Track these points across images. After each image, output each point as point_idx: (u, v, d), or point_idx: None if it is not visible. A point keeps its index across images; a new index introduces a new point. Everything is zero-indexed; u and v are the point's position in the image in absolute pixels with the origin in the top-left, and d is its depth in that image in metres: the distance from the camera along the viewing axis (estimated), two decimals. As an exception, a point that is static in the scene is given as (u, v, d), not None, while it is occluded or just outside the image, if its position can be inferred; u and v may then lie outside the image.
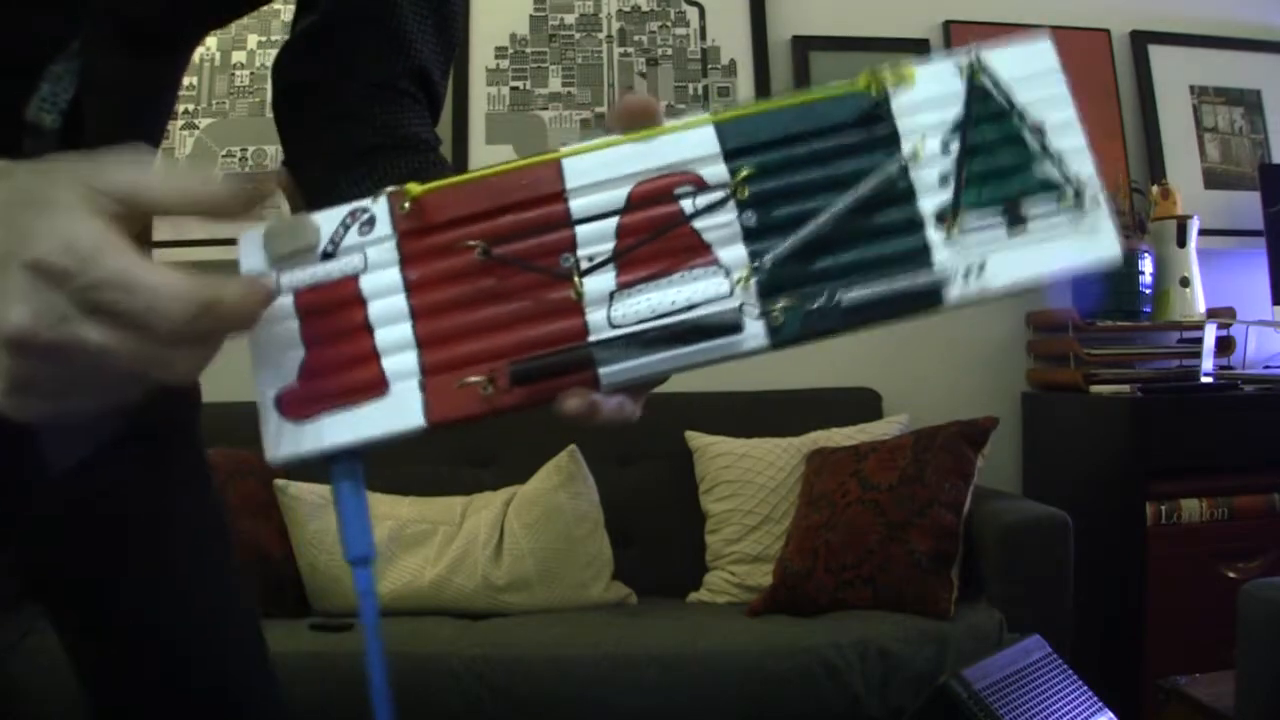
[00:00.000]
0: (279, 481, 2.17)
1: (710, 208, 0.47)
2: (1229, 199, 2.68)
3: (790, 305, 0.46)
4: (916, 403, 2.48)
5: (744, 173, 0.47)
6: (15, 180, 0.40)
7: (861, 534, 2.00)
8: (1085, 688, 1.55)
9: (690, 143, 0.48)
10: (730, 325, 0.46)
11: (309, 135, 0.67)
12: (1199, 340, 2.33)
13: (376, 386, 0.48)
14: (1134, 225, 2.48)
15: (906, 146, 0.47)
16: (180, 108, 2.53)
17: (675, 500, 2.32)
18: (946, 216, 0.47)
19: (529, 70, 2.62)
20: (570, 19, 2.65)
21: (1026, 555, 1.97)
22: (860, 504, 2.04)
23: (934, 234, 0.47)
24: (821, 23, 2.67)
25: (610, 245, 0.48)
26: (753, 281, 0.47)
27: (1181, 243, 2.46)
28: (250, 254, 0.50)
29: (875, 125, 0.48)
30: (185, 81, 2.28)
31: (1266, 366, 2.51)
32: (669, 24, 2.66)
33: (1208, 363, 2.31)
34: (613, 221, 0.48)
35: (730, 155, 0.48)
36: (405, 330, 0.48)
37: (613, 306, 0.47)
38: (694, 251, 0.47)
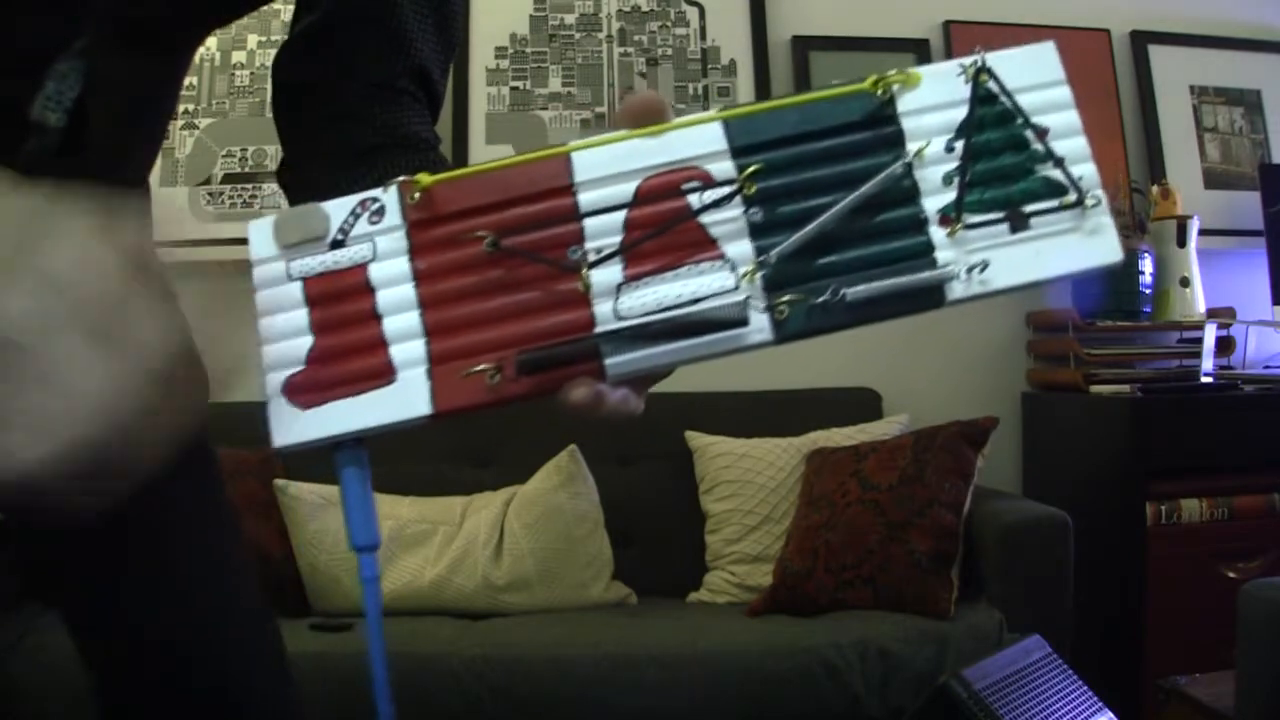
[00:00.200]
0: (279, 482, 2.17)
1: (717, 203, 0.48)
2: (1229, 199, 2.67)
3: (795, 300, 0.47)
4: (916, 403, 2.47)
5: (751, 169, 0.48)
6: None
7: (861, 534, 2.00)
8: (1085, 688, 1.55)
9: (698, 139, 0.49)
10: (736, 319, 0.46)
11: (309, 135, 0.67)
12: (1199, 340, 2.33)
13: (384, 374, 0.48)
14: (1134, 225, 2.48)
15: (911, 147, 0.48)
16: (180, 108, 2.53)
17: (675, 500, 2.32)
18: (950, 216, 0.47)
19: (529, 70, 2.62)
20: (570, 19, 2.65)
21: (1026, 555, 1.97)
22: (860, 504, 2.04)
23: (937, 233, 0.47)
24: (821, 23, 2.67)
25: (618, 239, 0.48)
26: (758, 276, 0.47)
27: (1181, 243, 2.46)
28: (260, 242, 0.50)
29: (881, 125, 0.48)
30: (185, 81, 2.28)
31: (1266, 366, 2.51)
32: (669, 24, 2.66)
33: (1208, 363, 2.31)
34: (620, 215, 0.48)
35: (738, 152, 0.48)
36: (413, 319, 0.48)
37: (619, 299, 0.48)
38: (700, 246, 0.48)
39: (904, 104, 0.48)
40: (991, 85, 0.48)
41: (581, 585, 2.14)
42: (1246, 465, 2.18)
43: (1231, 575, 2.12)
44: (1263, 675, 1.48)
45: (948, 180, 0.48)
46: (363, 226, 0.49)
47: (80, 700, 0.77)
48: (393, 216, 0.49)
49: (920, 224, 0.47)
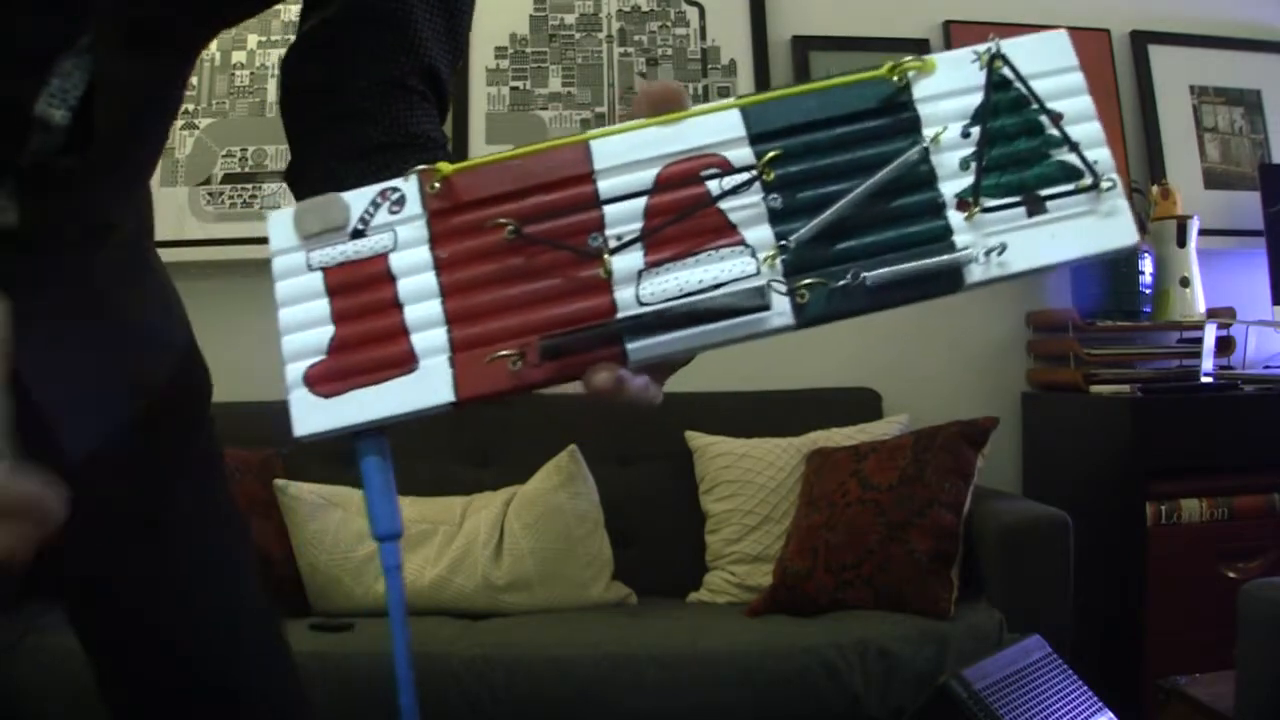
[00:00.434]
0: (279, 482, 2.17)
1: (737, 189, 0.48)
2: (1229, 199, 2.67)
3: (815, 285, 0.47)
4: (916, 403, 2.47)
5: (770, 156, 0.48)
6: None
7: (861, 534, 2.00)
8: (1085, 688, 1.55)
9: (717, 127, 0.49)
10: (757, 304, 0.47)
11: (317, 133, 0.67)
12: (1199, 340, 2.33)
13: (406, 362, 0.48)
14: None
15: (928, 132, 0.48)
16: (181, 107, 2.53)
17: (675, 500, 2.32)
18: (967, 200, 0.48)
19: (529, 70, 2.62)
20: (570, 19, 2.65)
21: (1026, 555, 1.97)
22: (860, 504, 2.04)
23: (955, 217, 0.48)
24: (821, 23, 2.67)
25: (638, 225, 0.48)
26: (779, 261, 0.48)
27: (1181, 243, 2.46)
28: (280, 233, 0.51)
29: (898, 112, 0.49)
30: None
31: (1266, 366, 2.51)
32: (669, 24, 2.66)
33: (1208, 363, 2.31)
34: (640, 202, 0.49)
35: (756, 139, 0.49)
36: (435, 307, 0.49)
37: (641, 285, 0.48)
38: (721, 232, 0.48)
39: (920, 90, 0.49)
40: (1006, 71, 0.49)
41: (581, 585, 2.14)
42: (1246, 465, 2.18)
43: (1231, 575, 2.12)
44: (1263, 675, 1.48)
45: (964, 165, 0.48)
46: (383, 216, 0.50)
47: (80, 700, 0.77)
48: (413, 206, 0.49)
49: (938, 208, 0.48)
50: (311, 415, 0.48)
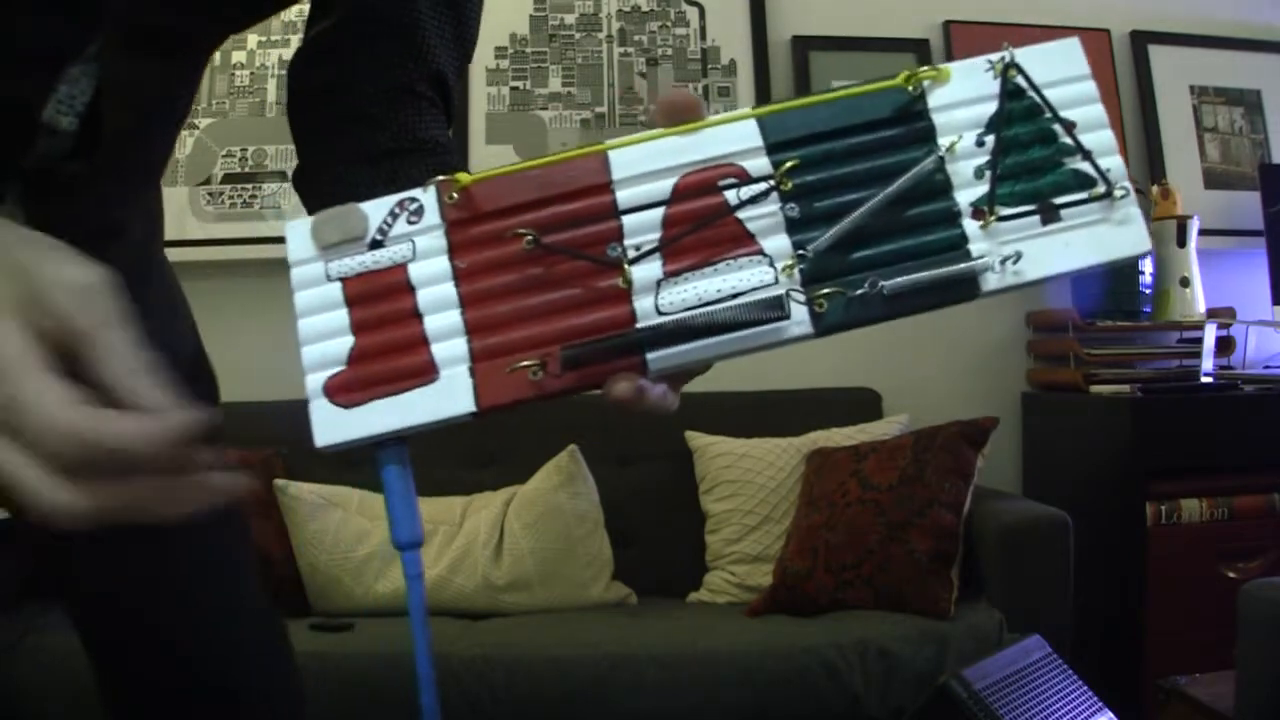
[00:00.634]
0: (279, 482, 2.17)
1: (754, 199, 0.49)
2: (1229, 199, 2.67)
3: (833, 293, 0.48)
4: (916, 403, 2.47)
5: (787, 165, 0.49)
6: None
7: (861, 534, 2.00)
8: (1085, 688, 1.55)
9: (734, 136, 0.49)
10: (775, 313, 0.47)
11: (325, 139, 0.67)
12: (1199, 340, 2.33)
13: (426, 372, 0.49)
14: (1134, 225, 2.47)
15: (943, 141, 0.49)
16: (180, 108, 2.53)
17: (675, 500, 2.32)
18: (983, 209, 0.48)
19: (529, 70, 2.62)
20: (570, 19, 2.65)
21: (1026, 555, 1.97)
22: (860, 504, 2.04)
23: (970, 226, 0.48)
24: (821, 23, 2.67)
25: (656, 235, 0.49)
26: (797, 270, 0.48)
27: (1181, 243, 2.46)
28: (298, 243, 0.51)
29: (913, 121, 0.49)
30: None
31: (1266, 366, 2.51)
32: (669, 24, 2.66)
33: (1208, 363, 2.31)
34: (659, 212, 0.49)
35: (772, 148, 0.49)
36: (454, 317, 0.49)
37: (660, 294, 0.48)
38: (739, 241, 0.49)
39: (934, 99, 0.49)
40: (1019, 80, 0.49)
41: (581, 585, 2.14)
42: (1246, 465, 2.18)
43: (1231, 575, 2.12)
44: (1263, 675, 1.48)
45: (979, 174, 0.48)
46: (401, 226, 0.50)
47: (80, 700, 0.77)
48: (431, 216, 0.50)
49: (954, 217, 0.48)
50: (332, 426, 0.48)
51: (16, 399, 0.37)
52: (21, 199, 0.54)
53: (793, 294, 0.48)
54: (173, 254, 0.77)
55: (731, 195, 0.49)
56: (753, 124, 0.49)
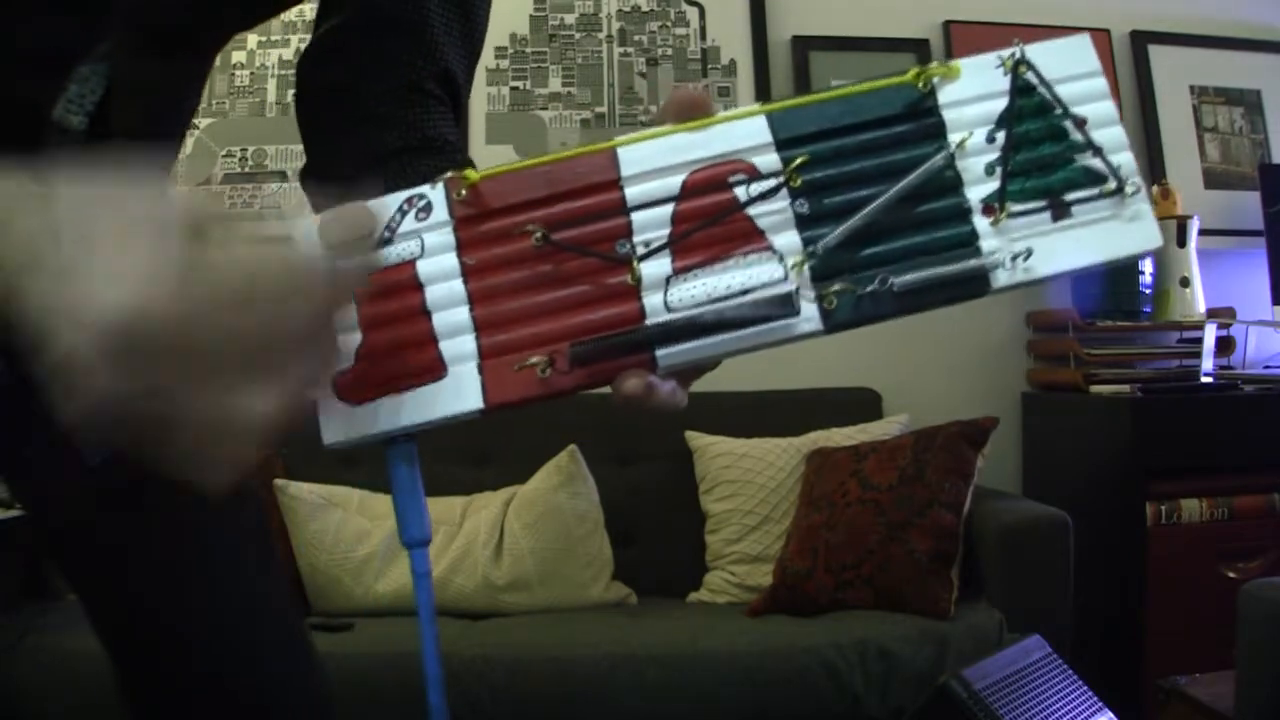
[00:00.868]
0: (279, 481, 2.17)
1: (764, 195, 0.49)
2: (1229, 199, 2.67)
3: (843, 290, 0.48)
4: (916, 403, 2.47)
5: (797, 161, 0.48)
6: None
7: (861, 534, 2.00)
8: (1085, 688, 1.55)
9: (743, 132, 0.49)
10: (785, 310, 0.47)
11: (334, 137, 0.67)
12: (1199, 340, 2.33)
13: (434, 370, 0.48)
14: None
15: (953, 138, 0.49)
16: (180, 108, 2.53)
17: (675, 500, 2.32)
18: (993, 205, 0.48)
19: (529, 70, 2.62)
20: (570, 19, 2.65)
21: (1026, 555, 1.97)
22: (860, 504, 2.04)
23: (981, 222, 0.48)
24: (821, 23, 2.67)
25: (665, 231, 0.49)
26: (806, 267, 0.48)
27: (1181, 243, 2.46)
28: (306, 241, 0.51)
29: (923, 117, 0.49)
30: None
31: (1266, 366, 2.51)
32: (669, 24, 2.66)
33: (1208, 363, 2.31)
34: (668, 208, 0.49)
35: (782, 145, 0.49)
36: (463, 314, 0.49)
37: (669, 291, 0.48)
38: (748, 238, 0.48)
39: (945, 96, 0.49)
40: (1030, 76, 0.49)
41: (581, 585, 2.14)
42: (1246, 465, 2.18)
43: (1231, 575, 2.12)
44: (1263, 675, 1.48)
45: (990, 170, 0.48)
46: (410, 223, 0.50)
47: (80, 700, 0.77)
48: (439, 213, 0.50)
49: (964, 213, 0.48)
50: (340, 423, 0.48)
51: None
52: None
53: (802, 291, 0.47)
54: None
55: (741, 191, 0.49)
56: (762, 120, 0.49)
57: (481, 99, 2.59)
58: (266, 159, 2.53)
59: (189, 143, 2.52)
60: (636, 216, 0.49)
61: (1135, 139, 2.70)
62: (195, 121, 2.52)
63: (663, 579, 2.25)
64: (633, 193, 0.49)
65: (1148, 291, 2.44)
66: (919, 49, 2.66)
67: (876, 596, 1.96)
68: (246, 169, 2.53)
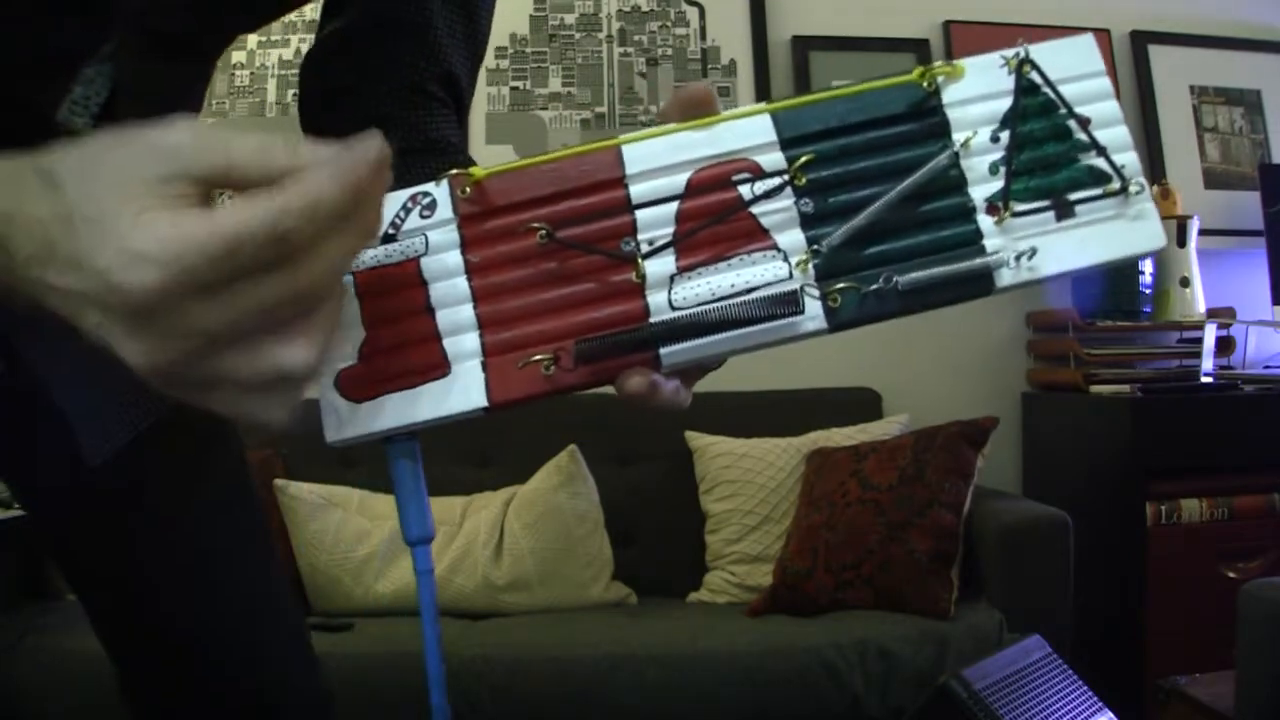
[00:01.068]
0: (279, 481, 2.17)
1: (768, 194, 0.49)
2: (1229, 199, 2.67)
3: (848, 289, 0.48)
4: (916, 403, 2.47)
5: (802, 160, 0.48)
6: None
7: (861, 534, 2.00)
8: (1085, 688, 1.55)
9: (747, 131, 0.49)
10: (790, 308, 0.47)
11: (337, 138, 0.67)
12: (1199, 340, 2.33)
13: (438, 367, 0.48)
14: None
15: (958, 137, 0.49)
16: (180, 108, 2.53)
17: (675, 500, 2.32)
18: (997, 205, 0.48)
19: (529, 70, 2.62)
20: (570, 19, 2.65)
21: (1026, 555, 1.97)
22: (860, 504, 2.04)
23: (985, 221, 0.48)
24: (821, 23, 2.67)
25: (670, 230, 0.49)
26: (811, 265, 0.48)
27: (1181, 243, 2.46)
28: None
29: (927, 117, 0.49)
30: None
31: (1266, 366, 2.51)
32: (669, 24, 2.66)
33: (1208, 363, 2.31)
34: (672, 207, 0.49)
35: (787, 143, 0.49)
36: (467, 312, 0.49)
37: (673, 289, 0.48)
38: (753, 236, 0.48)
39: (949, 95, 0.49)
40: (1034, 76, 0.49)
41: (581, 585, 2.14)
42: (1246, 465, 2.18)
43: (1231, 575, 2.12)
44: (1263, 675, 1.48)
45: (994, 169, 0.48)
46: (414, 220, 0.50)
47: (80, 700, 0.77)
48: (444, 210, 0.50)
49: (968, 212, 0.48)
50: (343, 420, 0.48)
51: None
52: None
53: (807, 289, 0.47)
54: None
55: (745, 190, 0.49)
56: (767, 119, 0.49)
57: (482, 99, 2.59)
58: (266, 159, 2.53)
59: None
60: (641, 214, 0.49)
61: (1135, 139, 2.67)
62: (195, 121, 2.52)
63: (663, 579, 2.25)
64: (637, 191, 0.49)
65: (1148, 291, 2.44)
66: (919, 49, 2.66)
67: (876, 596, 1.96)
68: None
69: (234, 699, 0.75)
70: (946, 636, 1.84)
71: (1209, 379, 2.29)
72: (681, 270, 0.48)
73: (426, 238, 0.49)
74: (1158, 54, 2.72)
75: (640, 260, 0.48)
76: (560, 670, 1.79)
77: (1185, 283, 2.45)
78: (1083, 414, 2.36)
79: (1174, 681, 1.70)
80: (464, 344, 0.48)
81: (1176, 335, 2.43)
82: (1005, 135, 0.48)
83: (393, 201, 0.50)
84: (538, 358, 0.47)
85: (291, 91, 2.53)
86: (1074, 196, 0.48)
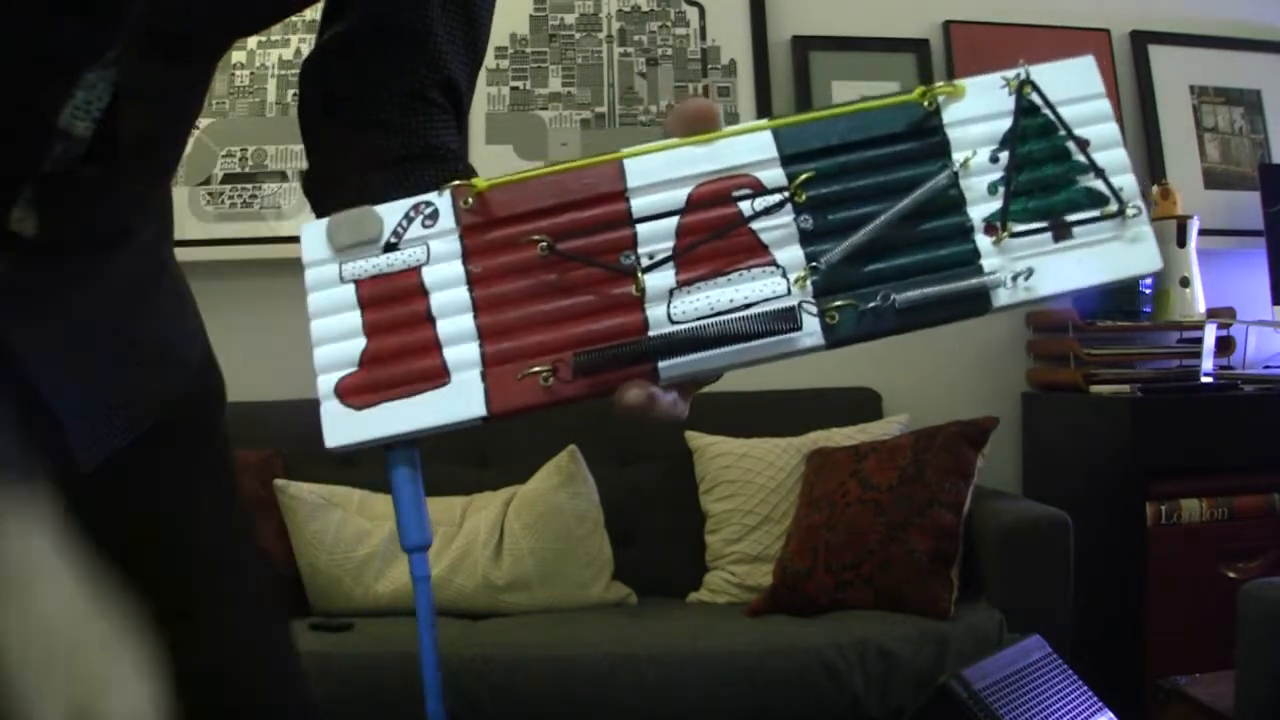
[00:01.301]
0: (279, 482, 2.17)
1: (768, 210, 0.49)
2: (1229, 199, 2.68)
3: (846, 306, 0.48)
4: (916, 403, 2.48)
5: (802, 177, 0.49)
6: None
7: (861, 534, 2.00)
8: (1085, 688, 1.55)
9: (749, 147, 0.50)
10: (788, 324, 0.47)
11: (337, 143, 0.67)
12: (1199, 340, 2.33)
13: (438, 376, 0.49)
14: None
15: (957, 156, 0.49)
16: (180, 108, 2.53)
17: (675, 500, 2.32)
18: (995, 225, 0.49)
19: (529, 70, 2.62)
20: (570, 19, 2.65)
21: (1026, 555, 1.97)
22: (860, 504, 2.04)
23: (983, 241, 0.49)
24: (821, 23, 2.67)
25: (670, 244, 0.49)
26: (809, 282, 0.48)
27: (1181, 243, 2.46)
28: (313, 244, 0.51)
29: (927, 136, 0.49)
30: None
31: (1266, 366, 2.51)
32: (669, 24, 2.66)
33: (1208, 363, 2.31)
34: (673, 221, 0.49)
35: (787, 160, 0.49)
36: (467, 321, 0.49)
37: (672, 303, 0.49)
38: (752, 252, 0.49)
39: (949, 115, 0.49)
40: (1034, 97, 0.49)
41: (581, 585, 2.14)
42: (1246, 465, 2.18)
43: (1231, 575, 2.12)
44: (1263, 675, 1.48)
45: (993, 190, 0.49)
46: (416, 230, 0.50)
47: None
48: (446, 220, 0.50)
49: (966, 232, 0.49)
50: (343, 427, 0.48)
51: None
52: (35, 204, 0.54)
53: (805, 305, 0.48)
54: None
55: (746, 206, 0.49)
56: (768, 135, 0.50)
57: (482, 99, 2.59)
58: (266, 159, 2.53)
59: (189, 142, 2.52)
60: (642, 228, 0.49)
61: (1135, 139, 2.70)
62: (196, 122, 2.52)
63: (663, 579, 2.25)
64: (639, 204, 0.49)
65: (1148, 291, 2.44)
66: (919, 49, 2.66)
67: (876, 596, 1.96)
68: (246, 169, 2.53)
69: (231, 700, 0.75)
70: (946, 636, 1.84)
71: (1209, 379, 2.29)
72: (681, 284, 0.49)
73: (428, 247, 0.50)
74: (1158, 54, 2.72)
75: (640, 274, 0.48)
76: (560, 670, 1.79)
77: (1185, 283, 2.45)
78: (1083, 414, 2.36)
79: (1174, 681, 1.70)
80: (464, 354, 0.49)
81: (1176, 335, 2.43)
82: (1005, 156, 0.49)
83: (395, 210, 0.50)
84: (536, 369, 0.48)
85: (291, 91, 2.53)
86: (1072, 218, 0.48)
